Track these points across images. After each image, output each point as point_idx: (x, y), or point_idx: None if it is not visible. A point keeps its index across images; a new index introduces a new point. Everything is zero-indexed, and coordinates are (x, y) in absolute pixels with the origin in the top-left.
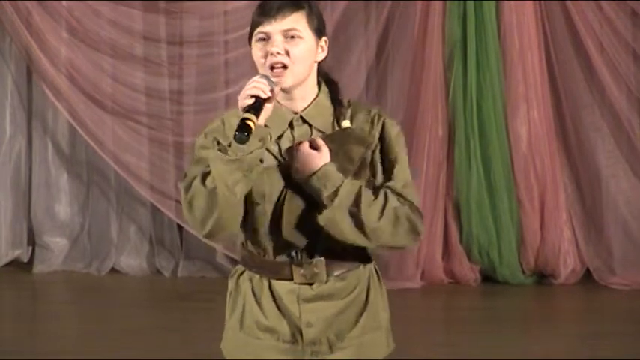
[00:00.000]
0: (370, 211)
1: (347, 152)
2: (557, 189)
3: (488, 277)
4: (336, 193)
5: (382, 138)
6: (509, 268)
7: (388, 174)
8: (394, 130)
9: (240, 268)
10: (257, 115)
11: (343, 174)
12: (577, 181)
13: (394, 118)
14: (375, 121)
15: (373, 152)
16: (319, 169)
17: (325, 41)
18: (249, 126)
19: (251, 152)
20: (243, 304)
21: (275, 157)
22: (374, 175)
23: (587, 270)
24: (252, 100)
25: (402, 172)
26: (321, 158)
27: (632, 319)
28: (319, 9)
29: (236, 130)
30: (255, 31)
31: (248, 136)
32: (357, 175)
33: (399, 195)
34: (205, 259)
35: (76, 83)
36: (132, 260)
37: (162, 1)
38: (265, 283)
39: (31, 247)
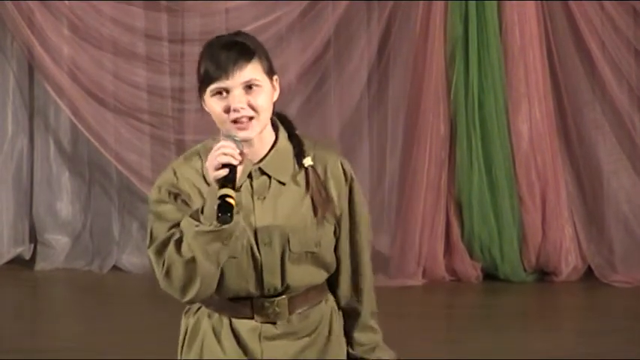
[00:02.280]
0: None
1: (325, 194)
2: (559, 186)
3: (489, 275)
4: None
5: (350, 190)
6: (511, 266)
7: (353, 219)
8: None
9: (196, 305)
10: (234, 186)
11: (326, 211)
12: (578, 178)
13: (396, 117)
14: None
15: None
16: None
17: (276, 79)
18: (230, 204)
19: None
20: (201, 344)
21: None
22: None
23: (589, 267)
24: (226, 171)
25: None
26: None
27: (633, 316)
28: (263, 46)
29: (218, 212)
30: (211, 87)
31: (232, 216)
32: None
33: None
34: None
35: (78, 81)
36: (134, 258)
37: (163, 0)
38: (226, 321)
39: (32, 245)
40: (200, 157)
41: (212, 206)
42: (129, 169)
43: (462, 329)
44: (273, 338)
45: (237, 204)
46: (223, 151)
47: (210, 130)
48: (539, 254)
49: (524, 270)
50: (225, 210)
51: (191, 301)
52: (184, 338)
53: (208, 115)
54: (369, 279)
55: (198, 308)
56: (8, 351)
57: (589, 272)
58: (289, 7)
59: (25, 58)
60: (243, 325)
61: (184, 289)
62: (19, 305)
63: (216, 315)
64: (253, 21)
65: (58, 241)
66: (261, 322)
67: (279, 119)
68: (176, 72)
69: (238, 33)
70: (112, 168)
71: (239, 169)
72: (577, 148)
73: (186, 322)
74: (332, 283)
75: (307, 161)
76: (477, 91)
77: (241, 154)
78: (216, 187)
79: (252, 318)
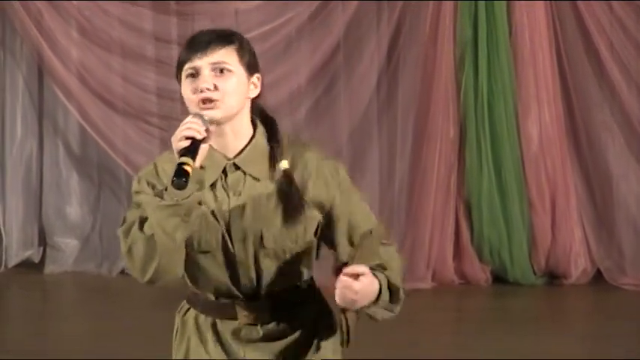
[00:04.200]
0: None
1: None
2: (568, 189)
3: (499, 278)
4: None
5: (340, 188)
6: (520, 269)
7: (355, 218)
8: (345, 173)
9: (185, 305)
10: (194, 158)
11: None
12: (588, 181)
13: (405, 119)
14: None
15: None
16: (379, 295)
17: (258, 78)
18: (186, 170)
19: (188, 196)
20: (187, 345)
21: (209, 205)
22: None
23: (598, 270)
24: (188, 143)
25: (367, 213)
26: (372, 284)
27: None
28: (251, 46)
29: (173, 176)
30: (185, 67)
31: (186, 181)
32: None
33: (379, 240)
34: None
35: (87, 84)
36: None
37: (173, 2)
38: (210, 322)
39: (42, 248)
40: None
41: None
42: (137, 172)
43: (471, 332)
44: (255, 340)
45: (202, 188)
46: (189, 126)
47: None
48: (549, 257)
49: (534, 273)
50: (179, 175)
51: (151, 281)
52: (175, 337)
53: None
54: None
55: (187, 310)
56: (18, 353)
57: (598, 275)
58: (299, 10)
59: (34, 61)
60: (227, 327)
61: (143, 267)
62: (29, 308)
63: (202, 316)
64: (263, 24)
65: (67, 244)
66: (244, 324)
67: (263, 120)
68: None
69: (225, 28)
70: (121, 171)
71: (203, 146)
72: (586, 151)
73: (177, 321)
74: None
75: (283, 164)
76: (486, 93)
77: (207, 131)
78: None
79: (235, 319)
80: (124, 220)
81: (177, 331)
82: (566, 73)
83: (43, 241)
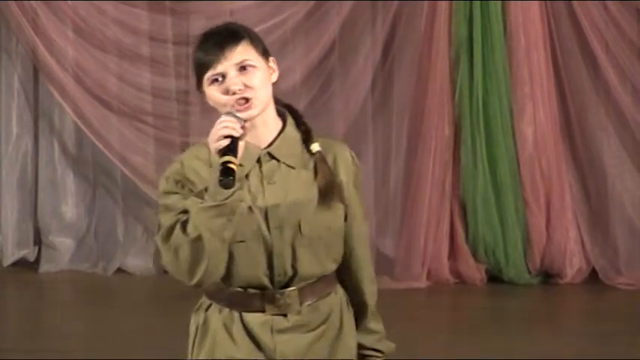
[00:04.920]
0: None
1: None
2: (563, 189)
3: (494, 277)
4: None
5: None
6: (515, 268)
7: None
8: (359, 170)
9: (206, 301)
10: (235, 155)
11: (330, 198)
12: (583, 180)
13: (400, 118)
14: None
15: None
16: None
17: (273, 61)
18: (232, 169)
19: (231, 195)
20: (213, 340)
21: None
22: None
23: (593, 270)
24: (228, 142)
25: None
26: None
27: (637, 318)
28: (253, 30)
29: (220, 176)
30: (207, 75)
31: (233, 180)
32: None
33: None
34: None
35: (83, 83)
36: (138, 260)
37: (168, 2)
38: (236, 315)
39: (37, 247)
40: (206, 147)
41: (215, 180)
42: (133, 172)
43: (467, 331)
44: (284, 331)
45: (243, 186)
46: (224, 125)
47: None
48: (544, 256)
49: (529, 272)
50: (226, 174)
51: (199, 284)
52: (195, 337)
53: (213, 115)
54: (367, 270)
55: (209, 306)
56: (13, 352)
57: (593, 274)
58: (294, 9)
59: (29, 60)
60: (254, 319)
61: (192, 269)
62: (24, 307)
63: (227, 310)
64: (258, 23)
65: (63, 244)
66: (272, 315)
67: (288, 109)
68: (181, 74)
69: (226, 23)
70: (117, 170)
71: (240, 144)
72: (581, 150)
73: (196, 319)
74: (345, 274)
75: (315, 147)
76: (481, 93)
77: (242, 127)
78: (219, 160)
79: (263, 311)
80: (159, 226)
81: (197, 330)
82: (561, 72)
83: (38, 240)
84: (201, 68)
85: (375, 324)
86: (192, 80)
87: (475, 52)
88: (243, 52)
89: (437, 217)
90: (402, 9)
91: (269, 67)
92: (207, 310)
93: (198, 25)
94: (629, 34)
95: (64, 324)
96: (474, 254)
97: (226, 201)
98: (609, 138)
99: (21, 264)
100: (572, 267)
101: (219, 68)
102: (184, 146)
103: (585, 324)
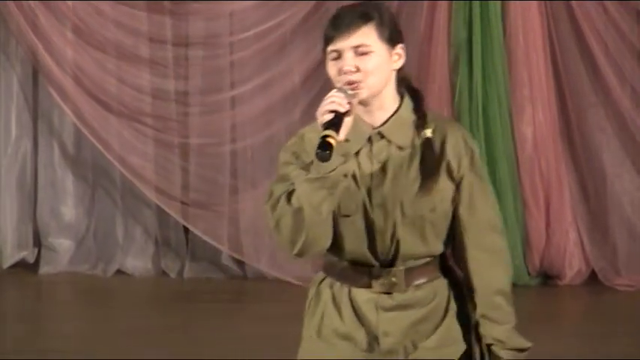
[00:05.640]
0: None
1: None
2: (563, 190)
3: None
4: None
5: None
6: (515, 269)
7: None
8: (478, 156)
9: (321, 275)
10: (337, 130)
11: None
12: (582, 182)
13: None
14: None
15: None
16: None
17: (402, 48)
18: (330, 143)
19: (334, 169)
20: (322, 312)
21: (353, 172)
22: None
23: (593, 271)
24: (332, 116)
25: (488, 201)
26: None
27: (637, 319)
28: (393, 16)
29: (317, 148)
30: (328, 49)
31: (330, 153)
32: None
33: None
34: (211, 260)
35: (82, 84)
36: (137, 262)
37: (167, 2)
38: (345, 290)
39: (36, 249)
40: None
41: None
42: (132, 173)
43: None
44: (388, 309)
45: (347, 161)
46: (332, 100)
47: (216, 133)
48: (543, 258)
49: (528, 274)
50: (323, 147)
51: (300, 254)
52: (308, 309)
53: (212, 117)
54: (489, 257)
55: (322, 280)
56: (13, 353)
57: (593, 276)
58: (293, 10)
59: (28, 61)
60: (361, 295)
61: (292, 239)
62: (23, 309)
63: (337, 285)
64: (257, 24)
65: (62, 245)
66: (378, 292)
67: (409, 91)
68: (180, 75)
69: (364, 1)
70: (116, 172)
71: (347, 120)
72: (581, 152)
73: (311, 292)
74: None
75: (427, 132)
76: (480, 94)
77: (350, 104)
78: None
79: (370, 287)
80: (271, 194)
81: (310, 301)
82: (560, 74)
83: (37, 241)
84: (325, 40)
85: (494, 313)
86: (192, 81)
87: (474, 53)
88: (363, 35)
89: None
90: (401, 10)
91: (393, 53)
92: (320, 284)
93: (198, 27)
94: (628, 34)
95: (63, 325)
96: None
97: (328, 174)
98: (608, 139)
99: (20, 266)
100: (572, 268)
101: (338, 45)
102: (183, 147)
103: (585, 325)
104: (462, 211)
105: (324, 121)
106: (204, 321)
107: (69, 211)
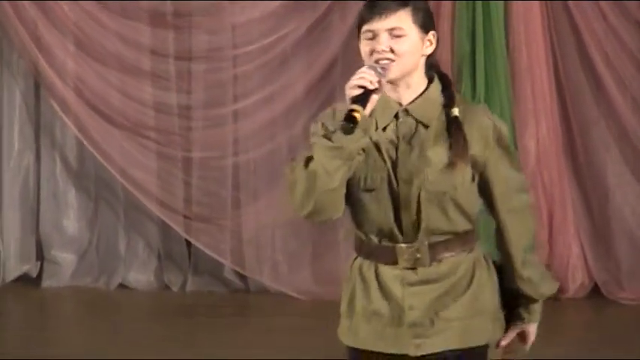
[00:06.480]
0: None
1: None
2: (566, 204)
3: None
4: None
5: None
6: None
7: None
8: (506, 138)
9: (352, 256)
10: (364, 106)
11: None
12: (585, 195)
13: None
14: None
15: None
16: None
17: (433, 35)
18: (355, 117)
19: (354, 142)
20: (352, 289)
21: (379, 147)
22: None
23: (596, 284)
24: (360, 91)
25: (516, 182)
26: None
27: None
28: (427, 4)
29: (343, 120)
30: (363, 28)
31: (354, 127)
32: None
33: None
34: (213, 274)
35: (84, 97)
36: (140, 275)
37: (170, 16)
38: (372, 269)
39: (39, 262)
40: None
41: (338, 124)
42: (135, 186)
43: None
44: (414, 284)
45: (367, 135)
46: (362, 75)
47: (218, 147)
48: None
49: None
50: (348, 120)
51: (309, 216)
52: (344, 288)
53: (215, 131)
54: (516, 237)
55: (354, 260)
56: None
57: (596, 289)
58: (296, 24)
59: (31, 74)
60: (387, 272)
61: (303, 201)
62: (26, 323)
63: (366, 264)
64: (260, 38)
65: (65, 259)
66: (403, 269)
67: (439, 75)
68: (182, 89)
69: None
70: (118, 185)
71: (374, 97)
72: (584, 166)
73: (347, 273)
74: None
75: (454, 112)
76: None
77: (379, 82)
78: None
79: (396, 263)
80: (294, 159)
81: (346, 282)
82: (563, 87)
83: (40, 255)
84: (360, 20)
85: (526, 271)
86: (195, 95)
87: (477, 67)
88: (399, 19)
89: None
90: None
91: (425, 39)
92: (352, 264)
93: (200, 40)
94: (632, 48)
95: (66, 339)
96: None
97: (346, 145)
98: (611, 153)
99: (23, 279)
100: (575, 282)
101: (374, 26)
102: (186, 161)
103: (587, 338)
104: (491, 185)
105: (352, 95)
106: (206, 334)
107: (71, 224)
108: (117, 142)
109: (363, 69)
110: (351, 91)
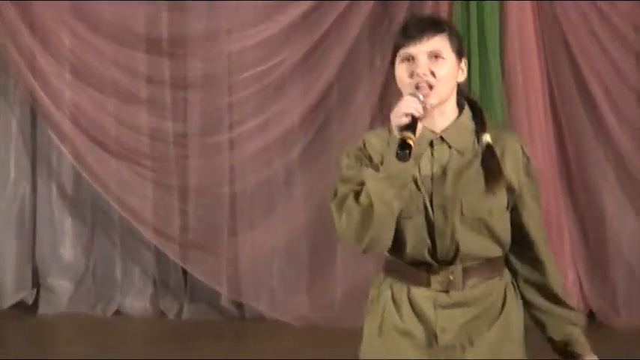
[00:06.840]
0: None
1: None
2: (562, 230)
3: None
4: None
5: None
6: None
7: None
8: (535, 167)
9: (381, 276)
10: (414, 133)
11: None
12: (581, 221)
13: None
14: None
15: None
16: None
17: (465, 63)
18: (409, 144)
19: (406, 169)
20: (383, 311)
21: (415, 174)
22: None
23: (591, 311)
24: (409, 120)
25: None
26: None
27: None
28: (458, 31)
29: (398, 149)
30: (400, 52)
31: (409, 154)
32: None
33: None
34: (210, 301)
35: (80, 125)
36: (136, 302)
37: (165, 43)
38: (405, 290)
39: (35, 290)
40: (388, 129)
41: (392, 153)
42: (131, 214)
43: None
44: (446, 307)
45: (416, 164)
46: (408, 104)
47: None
48: None
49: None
50: (404, 147)
51: (367, 249)
52: (369, 308)
53: (211, 159)
54: (542, 259)
55: (383, 280)
56: None
57: (591, 315)
58: (292, 51)
59: (27, 102)
60: (420, 293)
61: (360, 235)
62: (23, 350)
63: (398, 284)
64: (256, 65)
65: (61, 286)
66: (436, 291)
67: (469, 103)
68: (178, 117)
69: (432, 15)
70: (115, 212)
71: (419, 125)
72: (579, 191)
73: (372, 292)
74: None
75: (486, 137)
76: None
77: (424, 109)
78: (398, 135)
79: (429, 286)
80: (335, 194)
81: (371, 302)
82: (558, 112)
83: (36, 282)
84: (397, 45)
85: (561, 310)
86: (190, 122)
87: (472, 90)
88: (438, 43)
89: None
90: None
91: (459, 66)
92: (381, 284)
93: (196, 67)
94: (627, 72)
95: None
96: None
97: (400, 173)
98: (607, 179)
99: (19, 306)
100: None
101: (412, 50)
102: (182, 189)
103: None
104: (524, 215)
105: (403, 123)
106: None
107: (68, 251)
108: (113, 170)
109: (407, 97)
110: (400, 119)
